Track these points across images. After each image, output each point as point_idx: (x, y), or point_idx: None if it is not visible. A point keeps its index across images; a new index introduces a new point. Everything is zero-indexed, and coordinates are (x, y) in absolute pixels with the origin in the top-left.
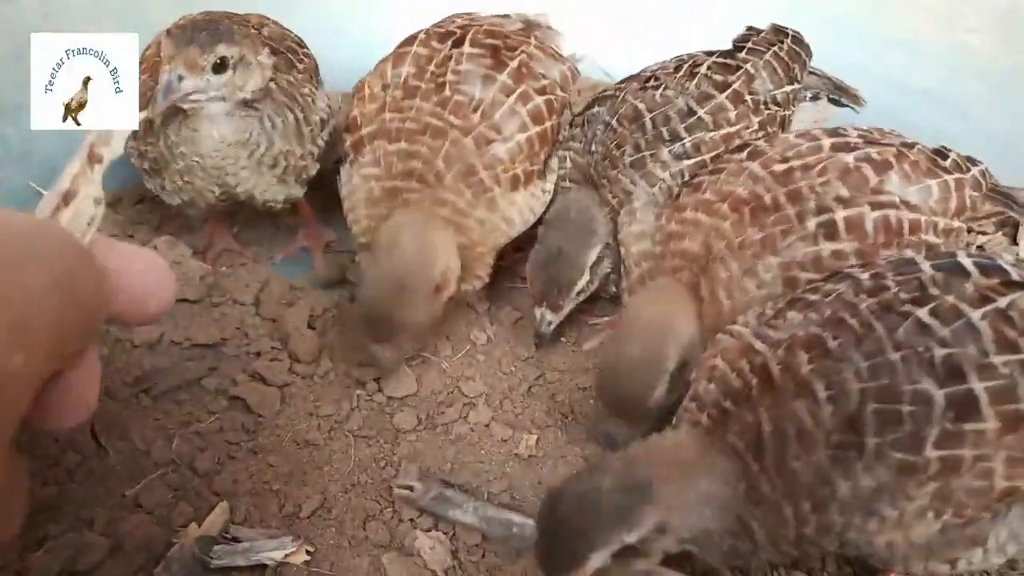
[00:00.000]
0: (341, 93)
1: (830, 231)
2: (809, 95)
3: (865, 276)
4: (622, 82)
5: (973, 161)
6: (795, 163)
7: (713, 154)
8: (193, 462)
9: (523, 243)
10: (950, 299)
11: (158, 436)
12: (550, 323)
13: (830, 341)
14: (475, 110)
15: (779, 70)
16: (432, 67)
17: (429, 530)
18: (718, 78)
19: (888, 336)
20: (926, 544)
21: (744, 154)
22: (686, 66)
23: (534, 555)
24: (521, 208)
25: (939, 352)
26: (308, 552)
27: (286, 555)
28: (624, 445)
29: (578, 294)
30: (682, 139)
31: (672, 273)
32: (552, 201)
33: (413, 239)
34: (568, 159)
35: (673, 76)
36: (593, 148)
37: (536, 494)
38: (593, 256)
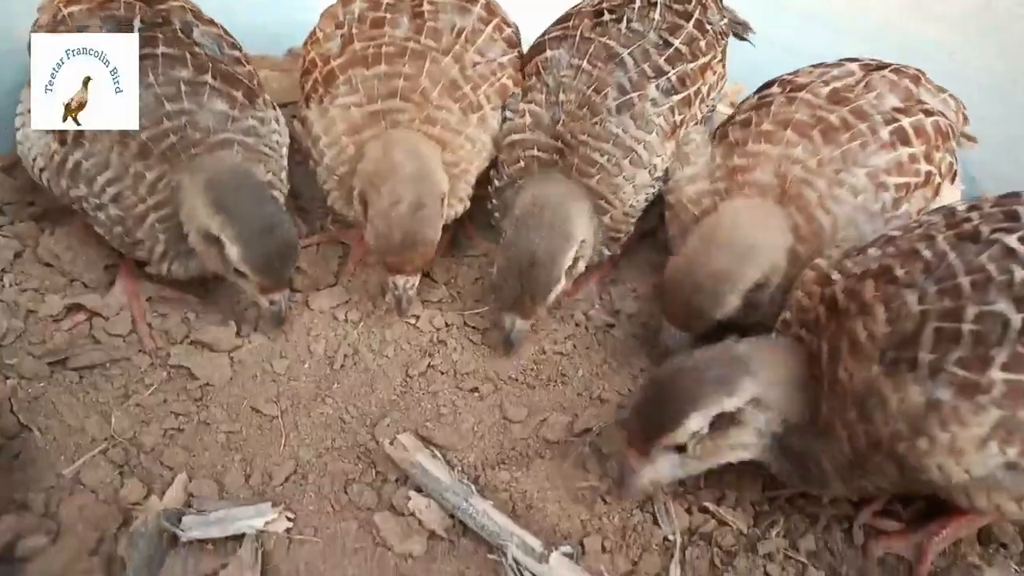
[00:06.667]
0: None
1: (903, 137)
2: None
3: (961, 210)
4: (565, 19)
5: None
6: (837, 85)
7: (695, 88)
8: (136, 437)
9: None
10: None
11: (92, 412)
12: (520, 331)
13: (898, 270)
14: (457, 35)
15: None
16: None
17: (421, 489)
18: (678, 7)
19: (963, 263)
20: (990, 477)
21: (776, 87)
22: None
23: (629, 423)
24: None
25: (1020, 274)
26: (288, 519)
27: (266, 523)
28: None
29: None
30: (666, 73)
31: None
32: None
33: (409, 156)
34: (527, 113)
35: (630, 7)
36: (561, 97)
37: (506, 458)
38: (569, 260)
